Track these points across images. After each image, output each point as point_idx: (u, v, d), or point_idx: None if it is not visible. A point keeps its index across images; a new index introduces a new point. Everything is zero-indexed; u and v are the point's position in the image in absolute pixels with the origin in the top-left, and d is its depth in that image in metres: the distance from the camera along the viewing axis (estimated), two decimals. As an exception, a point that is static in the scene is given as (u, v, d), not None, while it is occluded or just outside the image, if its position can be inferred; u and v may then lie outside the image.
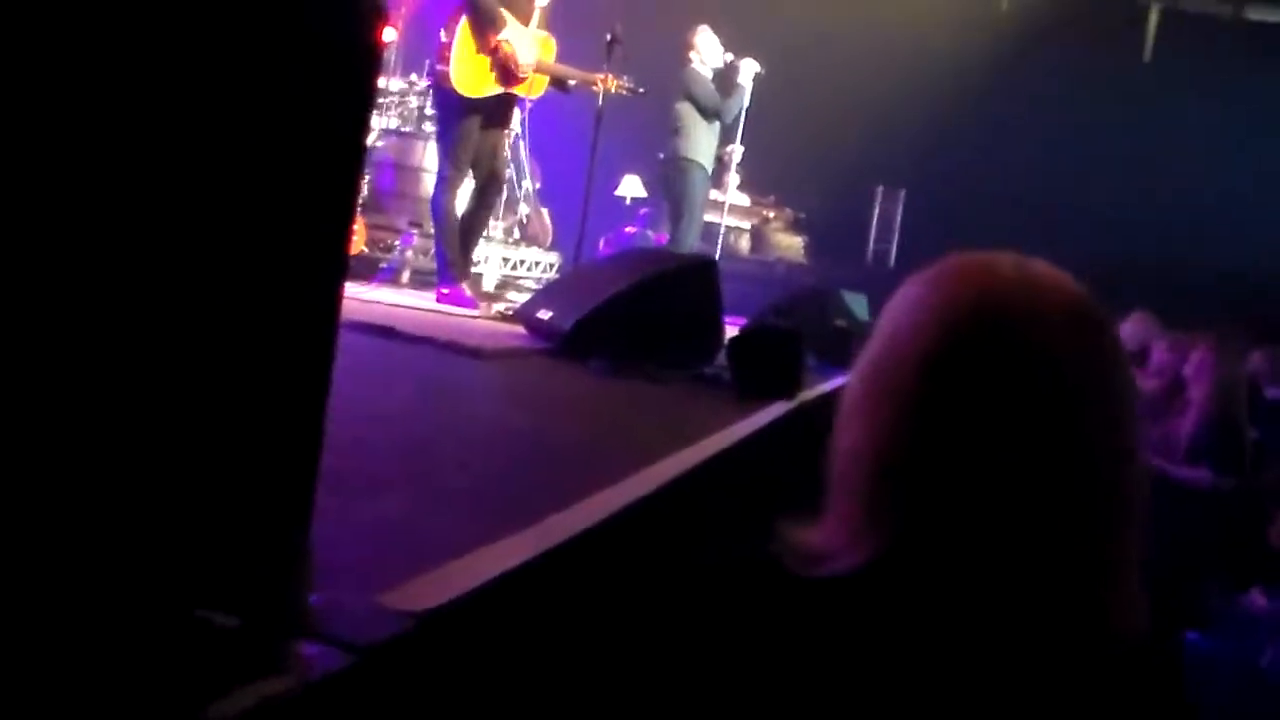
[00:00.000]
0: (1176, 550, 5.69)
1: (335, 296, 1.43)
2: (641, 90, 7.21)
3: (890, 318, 1.27)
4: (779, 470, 4.01)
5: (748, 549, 1.31)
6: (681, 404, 3.94)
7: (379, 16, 1.41)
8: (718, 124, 8.46)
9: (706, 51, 8.45)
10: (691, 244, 8.36)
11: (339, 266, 1.44)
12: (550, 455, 2.61)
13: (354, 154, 1.42)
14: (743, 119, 8.70)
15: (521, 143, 9.93)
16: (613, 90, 7.04)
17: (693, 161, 8.31)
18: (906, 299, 1.27)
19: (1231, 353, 6.10)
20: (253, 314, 1.22)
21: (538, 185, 10.37)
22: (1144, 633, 1.21)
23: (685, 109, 8.31)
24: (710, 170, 8.55)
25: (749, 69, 8.55)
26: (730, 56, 8.53)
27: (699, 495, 2.79)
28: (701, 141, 8.35)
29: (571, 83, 6.96)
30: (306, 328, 1.37)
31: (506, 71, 6.54)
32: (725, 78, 8.55)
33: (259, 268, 1.23)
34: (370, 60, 1.43)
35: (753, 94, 8.62)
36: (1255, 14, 14.24)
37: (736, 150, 8.99)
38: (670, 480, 2.52)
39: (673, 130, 8.36)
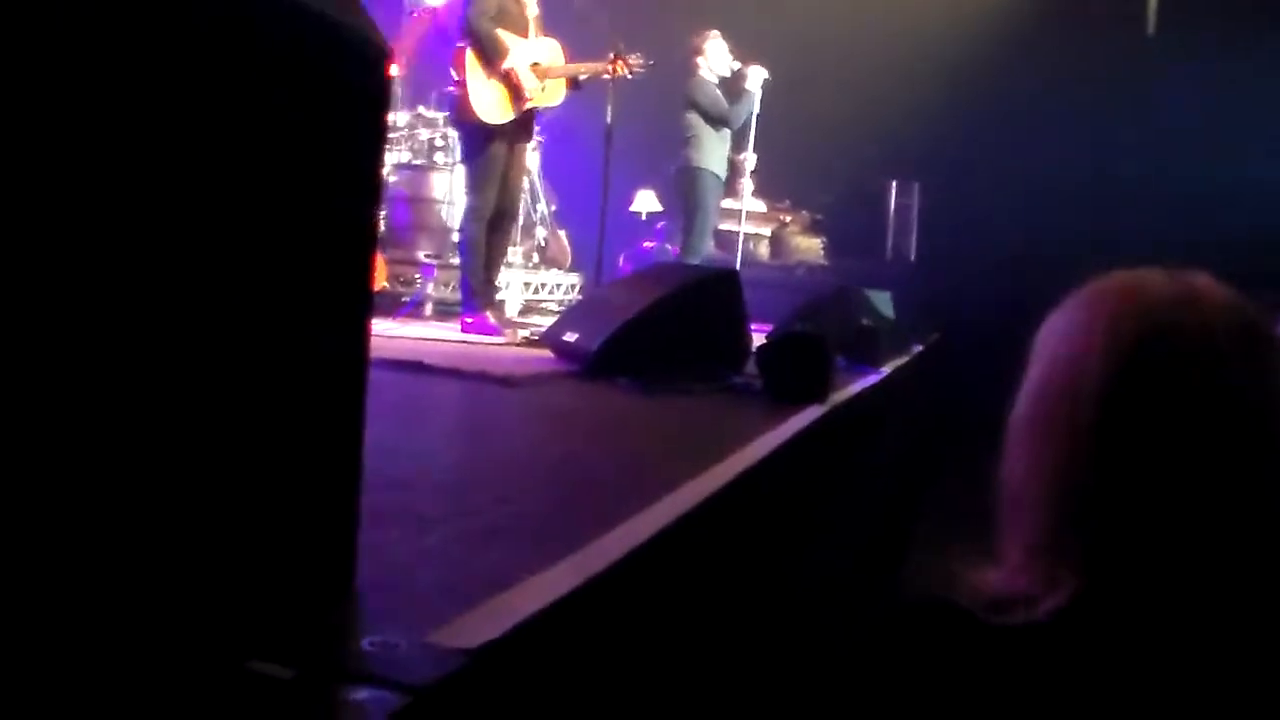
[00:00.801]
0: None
1: (363, 335, 1.45)
2: (651, 63, 7.18)
3: (1050, 345, 1.26)
4: (819, 474, 4.01)
5: (919, 593, 1.28)
6: (715, 416, 3.93)
7: (385, 57, 1.42)
8: (727, 131, 8.46)
9: (713, 59, 8.45)
10: (704, 251, 8.35)
11: (365, 303, 1.45)
12: (588, 480, 2.61)
13: (370, 194, 1.42)
14: (754, 126, 8.67)
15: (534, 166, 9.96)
16: (625, 72, 7.04)
17: (703, 170, 8.32)
18: (1066, 325, 1.26)
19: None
20: (286, 359, 1.23)
21: (554, 207, 10.38)
22: None
23: (693, 118, 8.33)
24: (723, 177, 8.53)
25: (757, 75, 8.53)
26: (738, 64, 8.49)
27: (742, 505, 2.78)
28: (712, 149, 8.35)
29: (583, 77, 6.97)
30: (338, 368, 1.38)
31: (521, 88, 6.58)
32: (733, 85, 8.52)
33: (288, 312, 1.23)
34: (379, 102, 1.44)
35: (763, 100, 8.58)
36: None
37: (750, 157, 8.96)
38: (713, 492, 2.52)
39: (683, 140, 8.35)
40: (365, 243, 1.44)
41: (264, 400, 1.18)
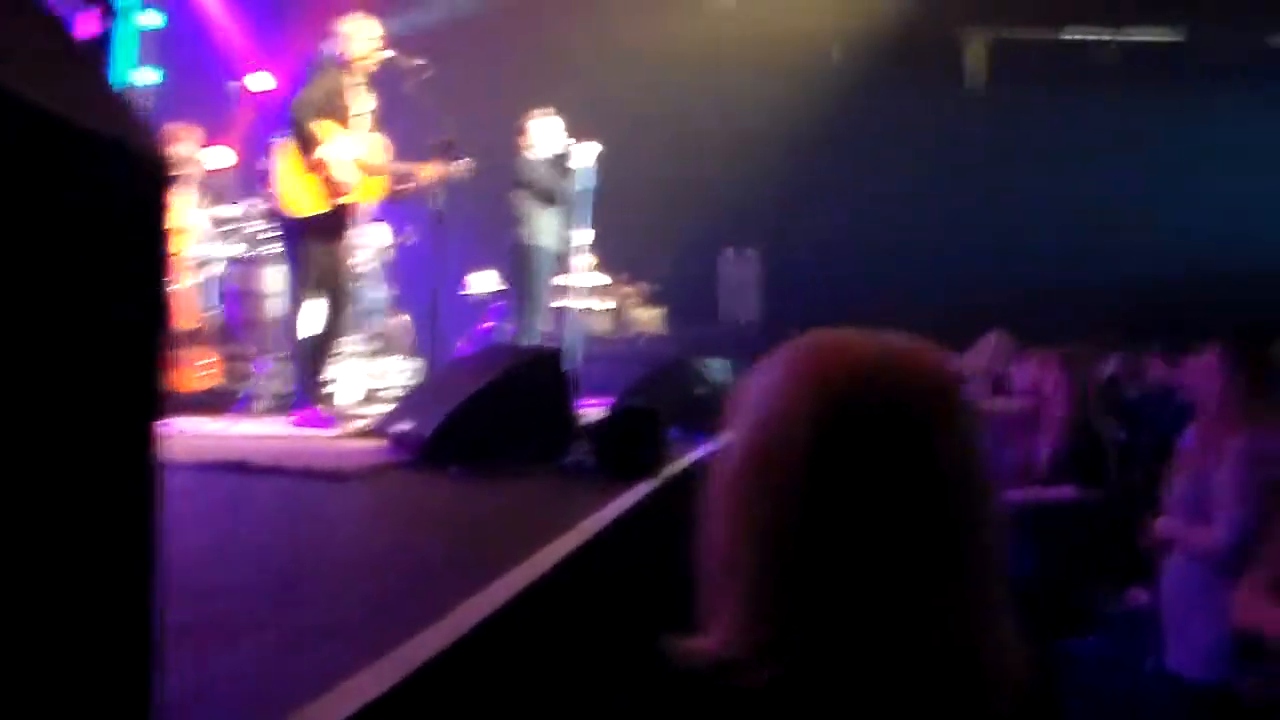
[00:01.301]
0: (1060, 565, 5.82)
1: (149, 451, 1.42)
2: (474, 169, 7.20)
3: (752, 404, 1.26)
4: (653, 545, 4.03)
5: (656, 661, 1.27)
6: (545, 498, 3.95)
7: (163, 170, 1.42)
8: (558, 208, 8.45)
9: (540, 137, 8.46)
10: (539, 329, 8.33)
11: (149, 417, 1.43)
12: (415, 573, 2.60)
13: (153, 306, 1.41)
14: (591, 201, 8.65)
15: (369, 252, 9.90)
16: (446, 176, 7.03)
17: (534, 247, 8.31)
18: (769, 385, 1.25)
19: (1080, 364, 6.26)
20: (60, 484, 1.21)
21: (395, 292, 10.34)
22: (1027, 680, 1.23)
23: (522, 196, 8.33)
24: (556, 253, 8.53)
25: (589, 151, 8.53)
26: (570, 141, 8.53)
27: (576, 585, 2.79)
28: (543, 227, 8.35)
29: (404, 186, 6.96)
30: (122, 488, 1.36)
31: (338, 182, 6.53)
32: (563, 161, 8.54)
33: (59, 432, 1.21)
34: (158, 214, 1.43)
35: (599, 174, 8.61)
36: (1071, 34, 14.77)
37: (587, 232, 8.94)
38: (539, 576, 2.53)
39: (513, 219, 8.34)
40: (148, 354, 1.42)
41: (39, 528, 1.17)
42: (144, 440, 1.39)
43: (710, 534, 1.26)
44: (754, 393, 1.27)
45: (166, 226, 1.50)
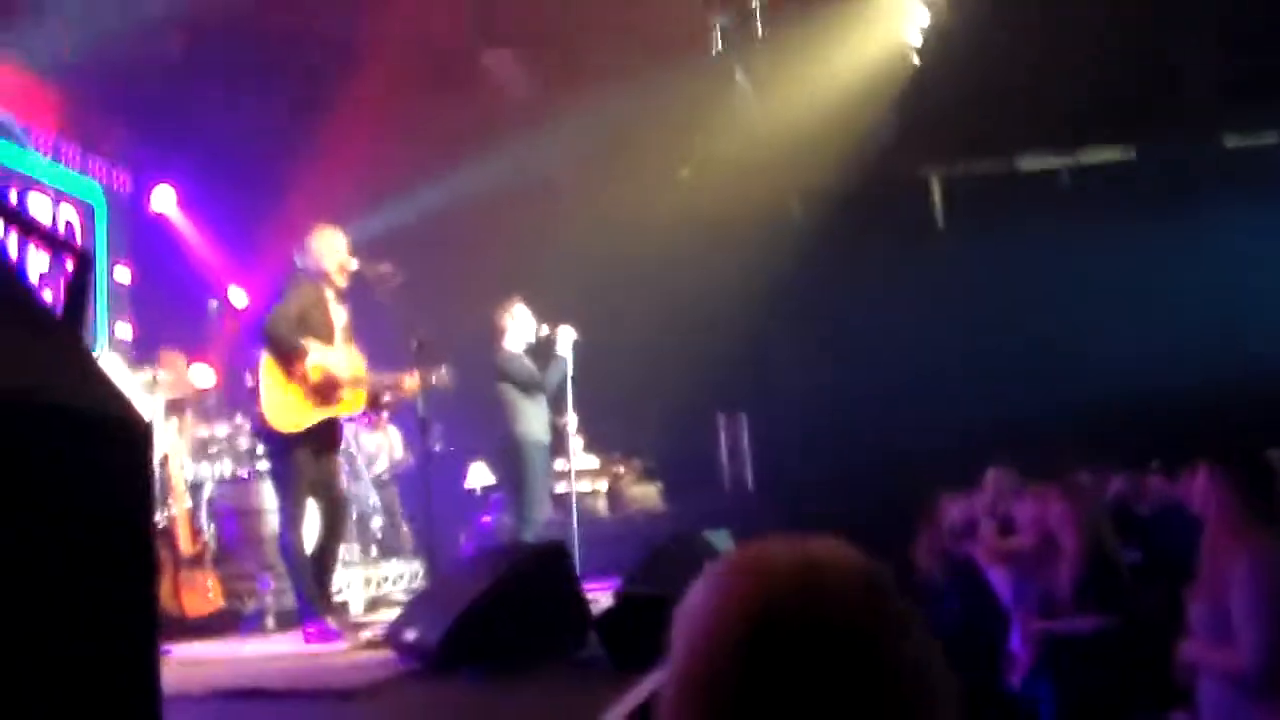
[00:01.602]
0: (1090, 695, 5.75)
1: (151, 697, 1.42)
2: (452, 375, 7.16)
3: (685, 623, 1.26)
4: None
5: None
6: (561, 695, 3.91)
7: (144, 434, 1.44)
8: (543, 397, 8.44)
9: (516, 328, 8.47)
10: (539, 521, 8.27)
11: (151, 662, 1.43)
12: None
13: (143, 555, 1.42)
14: (570, 386, 8.66)
15: (359, 460, 9.93)
16: (425, 388, 7.02)
17: (525, 441, 8.27)
18: (698, 603, 1.26)
19: (1081, 492, 6.27)
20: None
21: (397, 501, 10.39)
22: None
23: (506, 390, 8.30)
24: (547, 443, 8.51)
25: (566, 337, 8.52)
26: (545, 329, 8.56)
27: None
28: (531, 418, 8.32)
29: (386, 398, 7.01)
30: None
31: (328, 391, 6.56)
32: (543, 349, 8.56)
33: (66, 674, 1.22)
34: (142, 470, 1.45)
35: (576, 358, 8.64)
36: (1026, 165, 15.06)
37: (571, 418, 8.92)
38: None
39: (501, 415, 8.32)
40: (144, 600, 1.43)
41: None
42: (147, 683, 1.40)
43: None
44: (684, 612, 1.27)
45: (150, 480, 1.52)
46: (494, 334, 8.46)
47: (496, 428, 8.52)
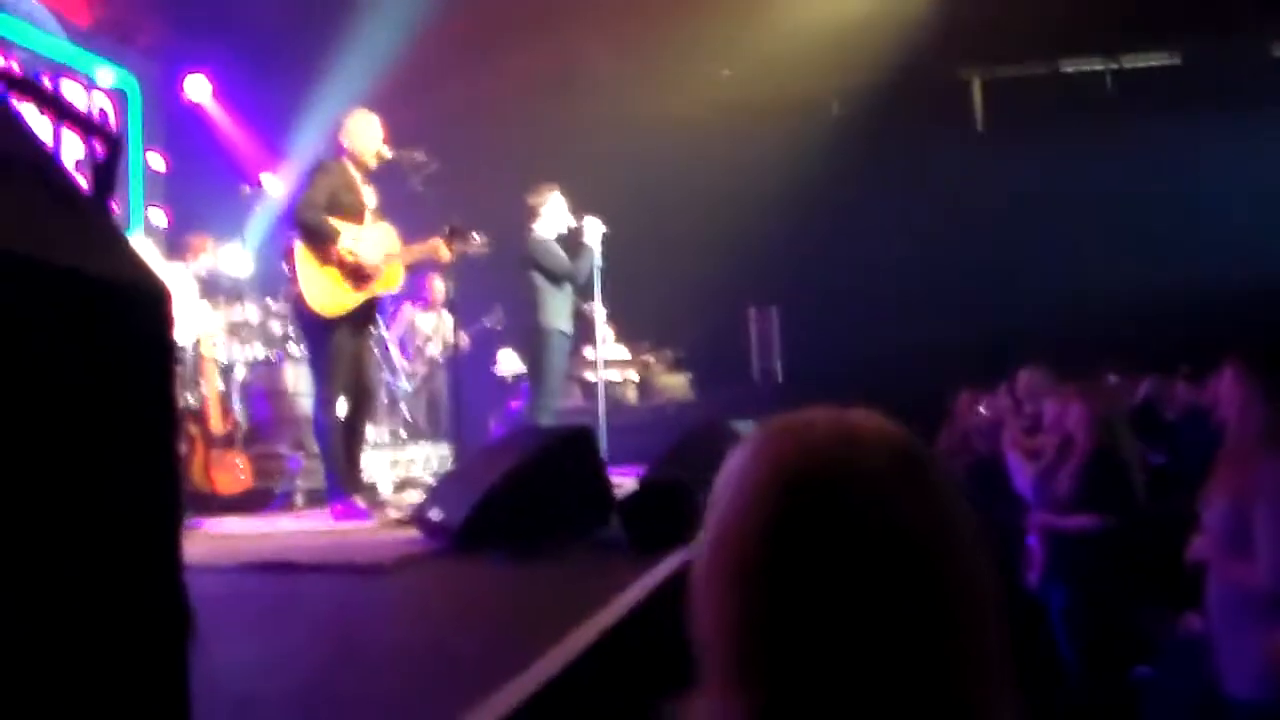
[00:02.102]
0: (1096, 594, 5.80)
1: (175, 570, 1.46)
2: (488, 243, 7.20)
3: (722, 489, 1.29)
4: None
5: None
6: (581, 576, 3.96)
7: (164, 300, 1.47)
8: (569, 287, 8.42)
9: (550, 216, 8.40)
10: (554, 409, 8.25)
11: (174, 529, 1.47)
12: (449, 665, 2.62)
13: (166, 425, 1.46)
14: (597, 277, 8.60)
15: (390, 341, 10.02)
16: (463, 252, 7.05)
17: (550, 330, 8.24)
18: (733, 472, 1.29)
19: (1099, 395, 6.25)
20: (86, 609, 1.25)
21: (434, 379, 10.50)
22: None
23: (535, 278, 8.25)
24: (570, 334, 8.47)
25: (594, 228, 8.44)
26: (573, 219, 8.46)
27: (613, 660, 2.81)
28: (557, 308, 8.29)
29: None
30: (150, 609, 1.39)
31: (359, 275, 6.61)
32: (572, 240, 8.48)
33: (86, 552, 1.25)
34: (164, 338, 1.48)
35: (605, 248, 8.58)
36: (1069, 66, 14.82)
37: (598, 309, 8.84)
38: (575, 656, 2.55)
39: (528, 301, 8.29)
40: (167, 475, 1.46)
41: (67, 646, 1.21)
42: (167, 551, 1.44)
43: (694, 610, 1.29)
44: (723, 479, 1.30)
45: (172, 348, 1.55)
46: (527, 217, 8.41)
47: (522, 315, 8.50)
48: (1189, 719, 4.45)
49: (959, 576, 1.24)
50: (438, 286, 10.47)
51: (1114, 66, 14.76)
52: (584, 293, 8.59)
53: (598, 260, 8.40)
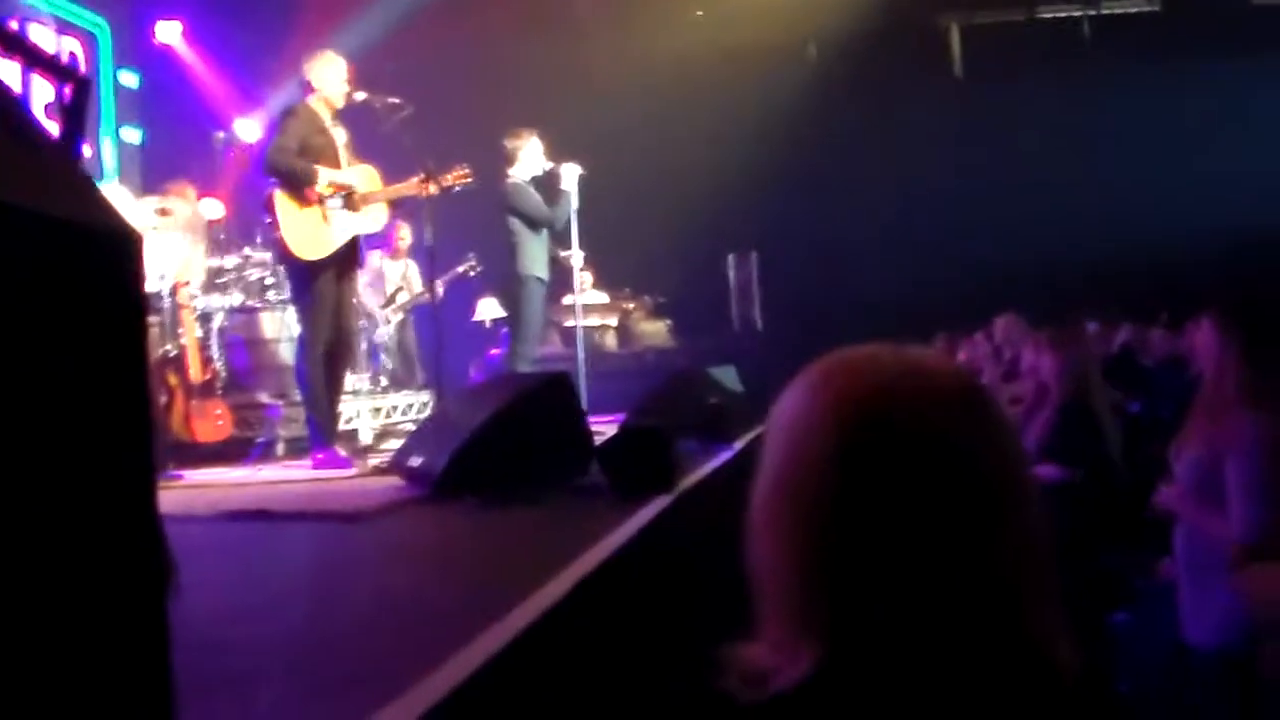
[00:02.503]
0: (1073, 541, 5.82)
1: (149, 516, 1.45)
2: (469, 174, 7.10)
3: (782, 423, 1.29)
4: (678, 559, 4.05)
5: (691, 681, 1.31)
6: (560, 522, 3.96)
7: (133, 244, 1.44)
8: (545, 233, 8.33)
9: (526, 160, 8.30)
10: (530, 356, 8.19)
11: (146, 481, 1.46)
12: (427, 612, 2.62)
13: (135, 369, 1.44)
14: (575, 222, 8.55)
15: (368, 289, 9.97)
16: (447, 187, 6.98)
17: (526, 276, 8.16)
18: (796, 403, 1.29)
19: (1071, 342, 6.24)
20: (56, 560, 1.24)
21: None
22: (1078, 660, 1.26)
23: (514, 224, 8.17)
24: (546, 280, 8.40)
25: (571, 173, 8.35)
26: (550, 164, 8.38)
27: (595, 606, 2.81)
28: (534, 255, 8.21)
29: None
30: (124, 561, 1.38)
31: (346, 205, 6.58)
32: (549, 184, 8.42)
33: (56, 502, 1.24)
34: (133, 284, 1.45)
35: (582, 194, 8.48)
36: (1047, 12, 14.78)
37: (576, 254, 8.79)
38: (555, 601, 2.55)
39: (506, 246, 8.22)
40: (138, 422, 1.45)
41: (43, 591, 1.19)
42: (142, 500, 1.42)
43: (752, 550, 1.29)
44: (781, 413, 1.30)
45: (141, 294, 1.53)
46: (503, 161, 8.33)
47: (499, 262, 8.46)
48: (1163, 665, 4.48)
49: (1021, 510, 1.25)
50: (403, 234, 10.40)
51: (1092, 12, 14.69)
52: (561, 239, 8.54)
53: (575, 205, 8.33)
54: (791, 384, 1.32)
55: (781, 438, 1.28)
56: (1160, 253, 12.26)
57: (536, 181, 8.31)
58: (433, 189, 6.83)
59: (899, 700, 1.19)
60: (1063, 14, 14.80)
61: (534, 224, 8.17)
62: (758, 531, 1.29)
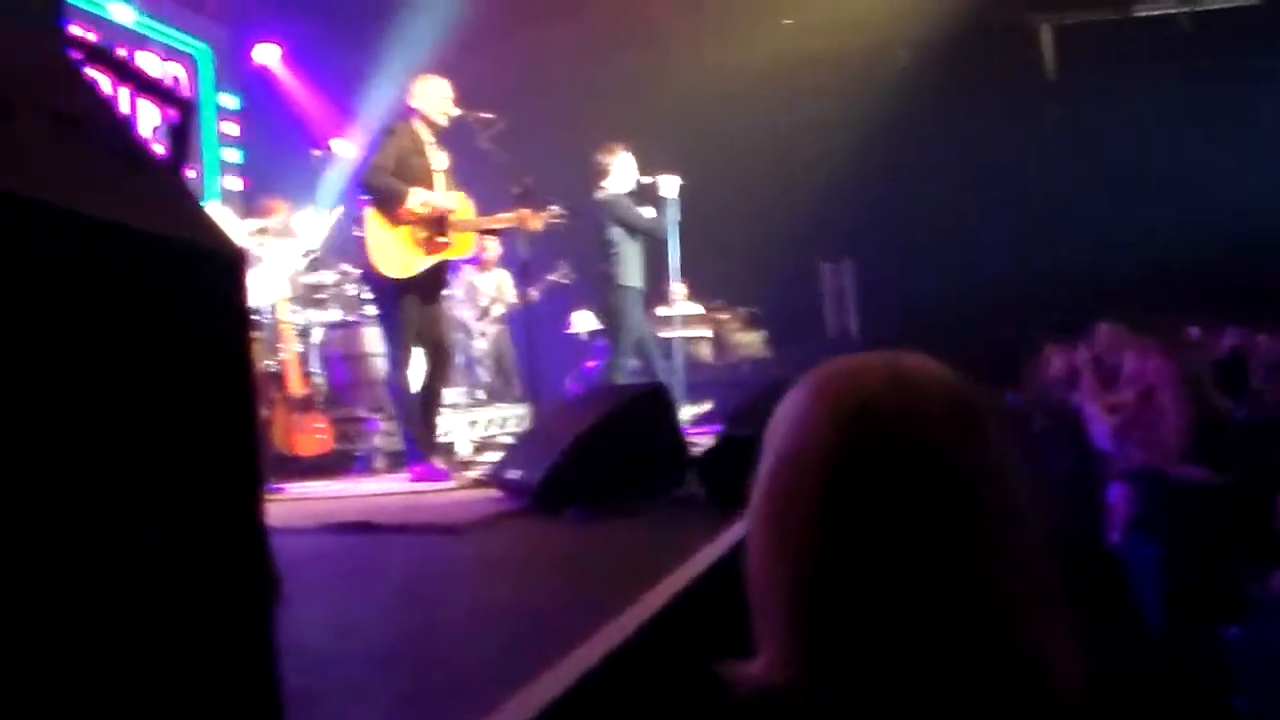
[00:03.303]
0: (1199, 546, 5.70)
1: (257, 527, 1.47)
2: (566, 214, 7.17)
3: (775, 436, 1.29)
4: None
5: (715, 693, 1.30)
6: (659, 533, 3.96)
7: (238, 262, 1.47)
8: (643, 243, 8.41)
9: (619, 174, 8.40)
10: (626, 366, 8.25)
11: (253, 484, 1.48)
12: (536, 622, 2.63)
13: (242, 382, 1.46)
14: (674, 233, 8.60)
15: (462, 303, 10.06)
16: (540, 226, 7.00)
17: (626, 287, 8.27)
18: (787, 416, 1.29)
19: (1182, 347, 6.15)
20: (175, 573, 1.26)
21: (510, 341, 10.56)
22: (1080, 679, 1.23)
23: (615, 234, 8.27)
24: (643, 290, 8.45)
25: (671, 184, 8.49)
26: (646, 178, 8.47)
27: (692, 618, 2.81)
28: (633, 265, 8.32)
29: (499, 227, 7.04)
30: (234, 570, 1.40)
31: (436, 230, 6.63)
32: (649, 195, 8.51)
33: (170, 516, 1.26)
34: (238, 299, 1.48)
35: (680, 206, 8.57)
36: (1143, 10, 14.52)
37: (675, 264, 8.84)
38: (654, 614, 2.55)
39: (605, 257, 8.31)
40: (247, 436, 1.47)
41: (152, 608, 1.22)
42: (249, 512, 1.45)
43: (749, 562, 1.28)
44: (777, 423, 1.30)
45: (246, 310, 1.56)
46: (595, 175, 8.41)
47: (596, 271, 8.50)
48: (1268, 678, 4.39)
49: (1013, 525, 1.23)
50: (490, 245, 10.46)
51: (1189, 9, 14.40)
52: (658, 248, 8.56)
53: (676, 216, 8.37)
54: (789, 392, 1.32)
55: (774, 449, 1.29)
56: (1261, 255, 11.97)
57: (632, 193, 8.35)
58: (530, 224, 6.86)
59: (900, 714, 1.17)
60: (1159, 11, 14.50)
61: (636, 234, 8.23)
62: (751, 539, 1.29)
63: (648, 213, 8.37)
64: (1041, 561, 1.24)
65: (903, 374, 1.26)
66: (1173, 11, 14.39)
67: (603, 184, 8.33)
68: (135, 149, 1.50)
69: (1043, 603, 1.23)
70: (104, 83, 3.27)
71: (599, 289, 8.54)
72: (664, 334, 9.61)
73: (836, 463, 1.21)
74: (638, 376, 8.18)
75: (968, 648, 1.18)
